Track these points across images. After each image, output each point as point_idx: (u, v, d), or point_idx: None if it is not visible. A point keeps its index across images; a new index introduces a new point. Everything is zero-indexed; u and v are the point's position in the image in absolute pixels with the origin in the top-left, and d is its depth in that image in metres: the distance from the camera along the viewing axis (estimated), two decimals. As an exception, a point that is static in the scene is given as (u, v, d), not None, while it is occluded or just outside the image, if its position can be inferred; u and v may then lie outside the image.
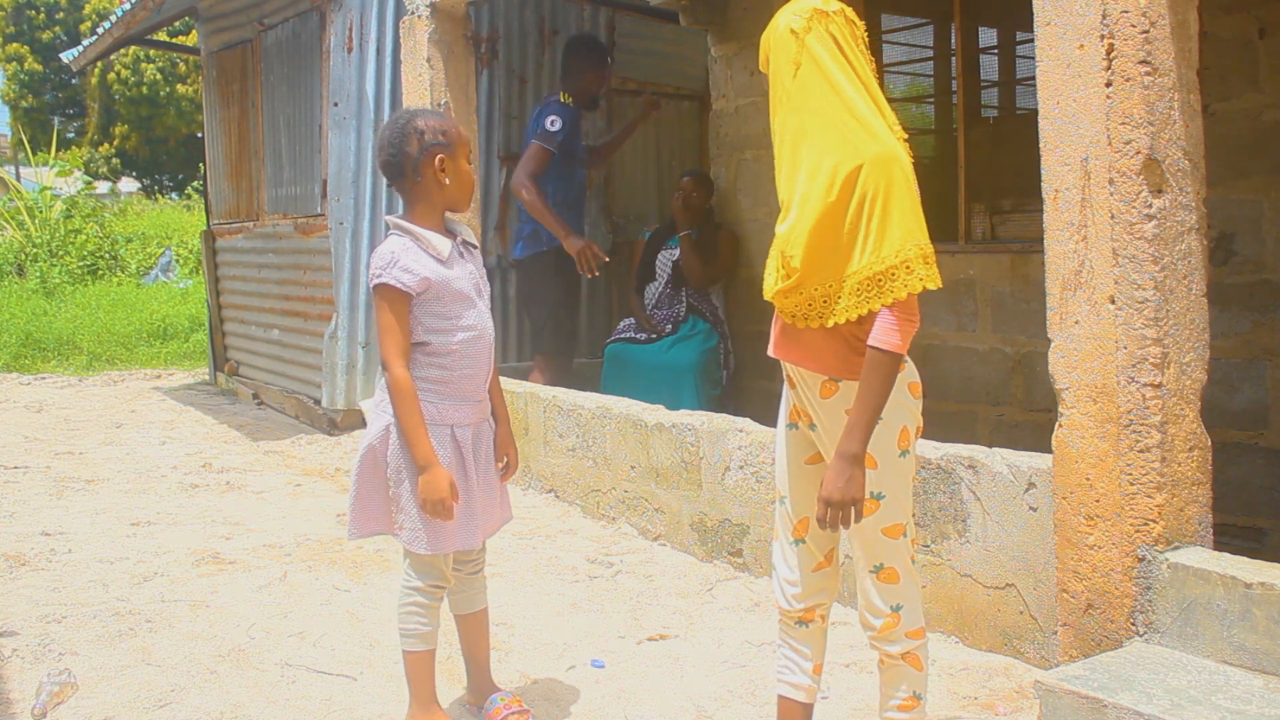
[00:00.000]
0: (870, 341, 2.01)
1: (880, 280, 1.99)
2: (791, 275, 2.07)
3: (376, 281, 2.52)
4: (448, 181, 2.56)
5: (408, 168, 2.56)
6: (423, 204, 2.59)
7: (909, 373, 2.14)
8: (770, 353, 2.24)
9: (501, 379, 5.45)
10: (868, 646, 2.29)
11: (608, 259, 5.54)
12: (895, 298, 1.98)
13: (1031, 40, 2.78)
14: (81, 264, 13.96)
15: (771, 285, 2.15)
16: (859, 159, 2.00)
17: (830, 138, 2.03)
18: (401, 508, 2.56)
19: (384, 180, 6.33)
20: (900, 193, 2.00)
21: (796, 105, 2.07)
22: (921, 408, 2.20)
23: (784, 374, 2.25)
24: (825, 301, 2.06)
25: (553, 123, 5.36)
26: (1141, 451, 2.57)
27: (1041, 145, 2.73)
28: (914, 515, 3.21)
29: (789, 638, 2.30)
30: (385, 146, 2.58)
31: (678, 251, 5.75)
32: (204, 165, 9.14)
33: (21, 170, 22.24)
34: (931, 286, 2.00)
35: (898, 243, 1.99)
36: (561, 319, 5.57)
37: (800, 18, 2.07)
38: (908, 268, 1.98)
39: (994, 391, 5.11)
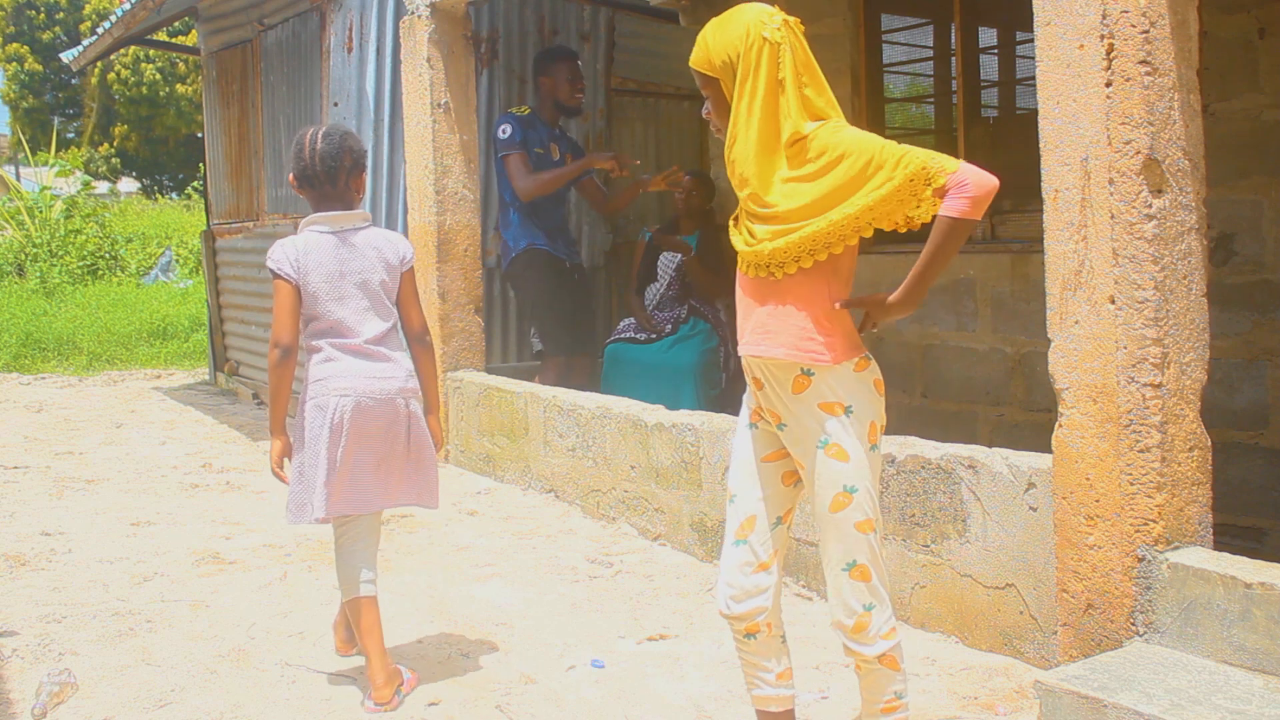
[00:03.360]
0: (940, 211, 2.04)
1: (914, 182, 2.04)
2: (765, 207, 2.12)
3: (414, 262, 3.05)
4: (359, 194, 3.08)
5: (342, 176, 2.98)
6: (344, 204, 3.00)
7: (874, 370, 2.19)
8: (740, 350, 2.27)
9: (501, 379, 5.57)
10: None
11: (636, 162, 5.67)
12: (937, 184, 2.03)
13: (1031, 40, 2.78)
14: (81, 264, 13.95)
15: (749, 241, 2.17)
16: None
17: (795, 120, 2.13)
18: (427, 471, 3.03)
19: (384, 180, 6.36)
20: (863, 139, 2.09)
21: (767, 103, 2.11)
22: (885, 406, 2.24)
23: (749, 377, 2.27)
24: (826, 244, 2.10)
25: (503, 130, 5.50)
26: (1141, 451, 2.57)
27: (1041, 145, 2.73)
28: (914, 516, 3.22)
29: (743, 650, 2.30)
30: (347, 154, 2.97)
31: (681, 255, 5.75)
32: (204, 165, 9.15)
33: (21, 170, 22.25)
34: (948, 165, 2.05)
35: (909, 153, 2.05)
36: (550, 318, 5.58)
37: (772, 27, 2.12)
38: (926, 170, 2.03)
39: (994, 391, 5.11)
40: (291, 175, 2.99)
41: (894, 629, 2.19)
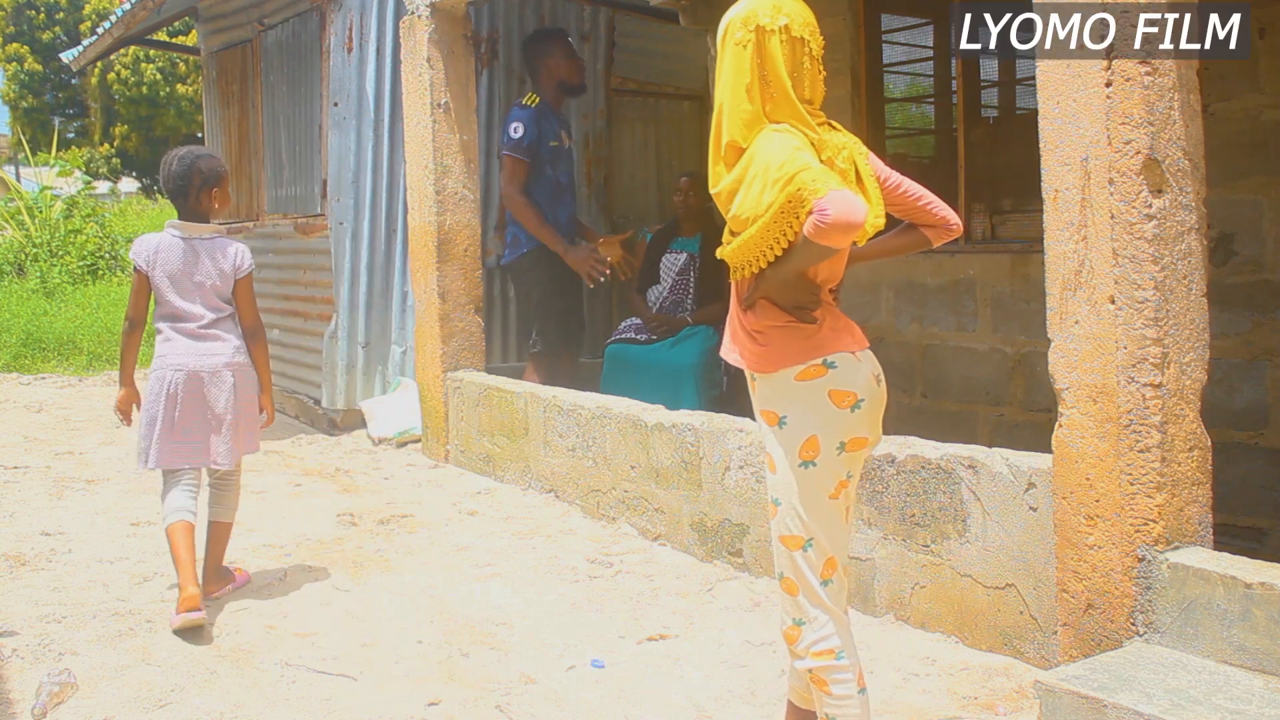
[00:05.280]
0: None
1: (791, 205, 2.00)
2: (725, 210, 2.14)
3: (253, 265, 3.69)
4: (217, 205, 3.68)
5: (192, 192, 3.62)
6: (198, 214, 3.67)
7: (830, 380, 2.09)
8: (721, 353, 2.29)
9: (501, 379, 5.68)
10: (861, 647, 2.28)
11: (609, 265, 5.58)
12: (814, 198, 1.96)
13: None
14: (81, 264, 13.92)
15: (725, 244, 2.19)
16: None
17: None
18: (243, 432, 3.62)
19: (384, 181, 6.36)
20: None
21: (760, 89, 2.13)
22: (860, 419, 2.11)
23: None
24: (746, 260, 2.12)
25: (515, 129, 5.42)
26: (1141, 451, 2.57)
27: (1041, 145, 2.73)
28: (914, 516, 3.22)
29: None
30: (195, 174, 3.62)
31: (683, 256, 5.74)
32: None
33: (21, 170, 22.23)
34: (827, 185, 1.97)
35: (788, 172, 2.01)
36: (546, 318, 5.58)
37: (747, 29, 2.13)
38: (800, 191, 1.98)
39: (994, 391, 5.11)
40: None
41: (829, 651, 2.12)
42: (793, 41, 2.12)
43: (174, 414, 3.54)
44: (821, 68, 2.18)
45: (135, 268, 3.61)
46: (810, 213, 1.92)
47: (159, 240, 3.63)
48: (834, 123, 2.19)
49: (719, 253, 2.19)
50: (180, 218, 3.67)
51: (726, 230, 2.18)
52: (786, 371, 2.10)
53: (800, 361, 2.09)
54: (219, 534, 3.72)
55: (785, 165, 1.99)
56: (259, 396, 3.70)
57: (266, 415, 3.74)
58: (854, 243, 2.07)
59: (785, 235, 2.01)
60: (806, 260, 2.03)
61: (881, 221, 2.13)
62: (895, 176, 2.25)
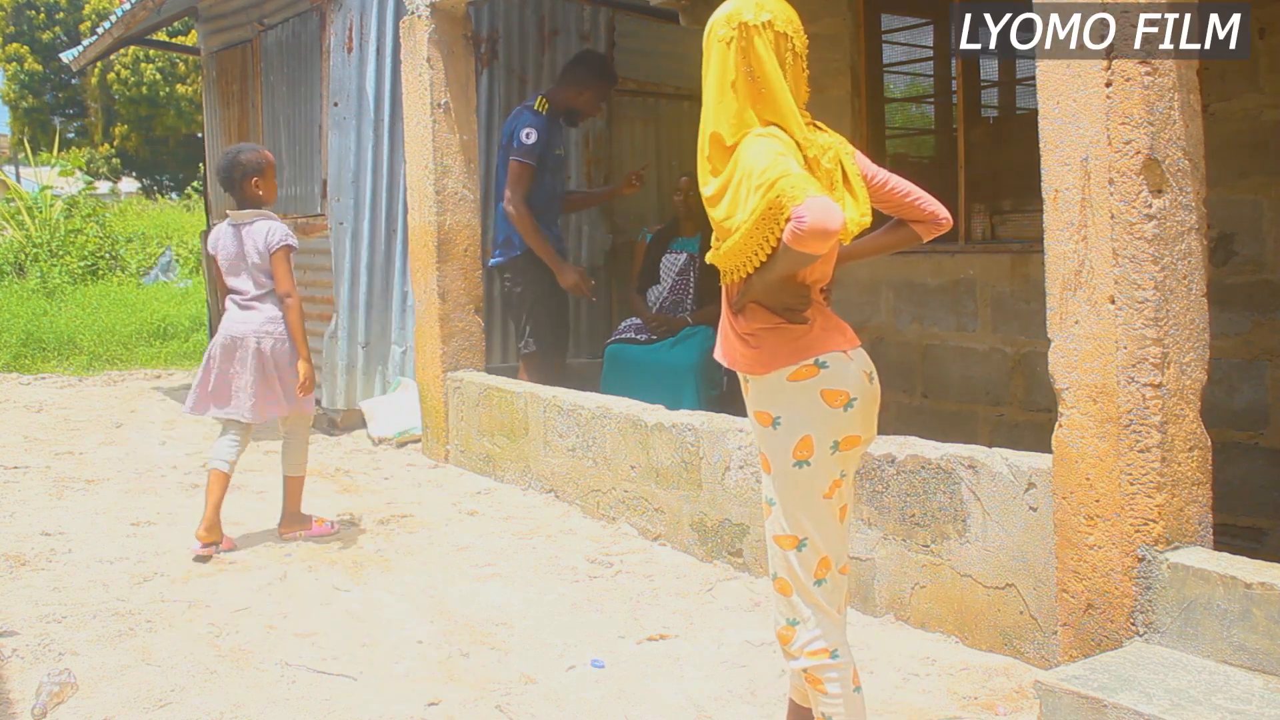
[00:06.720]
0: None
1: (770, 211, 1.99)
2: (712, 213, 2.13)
3: (290, 242, 4.16)
4: (261, 193, 4.23)
5: (235, 183, 4.21)
6: (245, 203, 4.23)
7: (826, 378, 2.09)
8: (715, 355, 2.29)
9: (501, 379, 5.73)
10: (861, 647, 2.29)
11: (594, 283, 5.68)
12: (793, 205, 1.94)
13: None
14: (82, 264, 13.93)
15: (713, 249, 2.18)
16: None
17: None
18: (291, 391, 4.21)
19: (384, 180, 6.37)
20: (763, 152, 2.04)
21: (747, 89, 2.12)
22: (853, 417, 2.10)
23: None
24: (734, 266, 2.12)
25: (528, 135, 5.35)
26: (1141, 451, 2.57)
27: (1041, 145, 2.73)
28: (914, 516, 3.22)
29: None
30: (235, 168, 4.19)
31: (683, 256, 5.74)
32: (204, 165, 9.14)
33: (21, 170, 22.23)
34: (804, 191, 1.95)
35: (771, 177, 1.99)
36: (540, 319, 5.56)
37: (729, 26, 2.14)
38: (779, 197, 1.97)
39: (994, 391, 5.11)
40: None
41: (824, 650, 2.13)
42: (777, 37, 2.12)
43: (211, 371, 4.19)
44: (805, 66, 2.19)
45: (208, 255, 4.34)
46: (789, 220, 1.92)
47: (219, 230, 4.27)
48: (819, 123, 2.20)
49: (708, 258, 2.19)
50: (236, 207, 4.24)
51: (714, 235, 2.18)
52: (779, 373, 2.10)
53: (792, 362, 2.09)
54: (290, 487, 4.33)
55: (766, 171, 1.99)
56: (297, 362, 4.21)
57: (302, 382, 4.20)
58: (840, 241, 2.08)
59: (768, 241, 2.01)
60: (790, 265, 2.03)
61: (867, 220, 2.14)
62: (882, 174, 2.25)
